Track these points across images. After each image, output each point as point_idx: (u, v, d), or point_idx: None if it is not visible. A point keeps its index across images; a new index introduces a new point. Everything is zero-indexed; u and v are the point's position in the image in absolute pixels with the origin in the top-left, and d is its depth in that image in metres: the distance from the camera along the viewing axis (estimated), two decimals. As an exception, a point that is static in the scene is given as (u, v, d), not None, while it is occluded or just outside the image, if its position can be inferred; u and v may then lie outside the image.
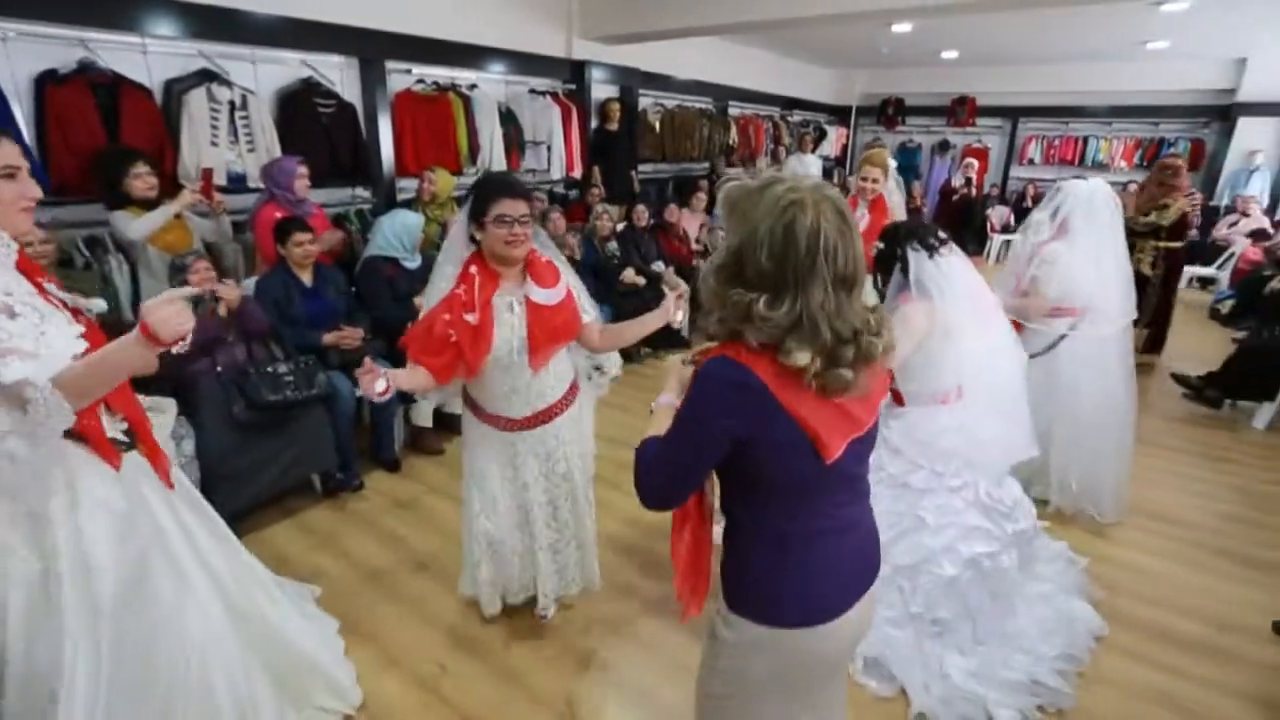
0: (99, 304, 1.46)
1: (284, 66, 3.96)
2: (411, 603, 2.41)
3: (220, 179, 3.53)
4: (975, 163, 7.43)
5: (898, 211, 3.35)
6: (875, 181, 3.29)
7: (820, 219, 0.99)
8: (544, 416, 1.97)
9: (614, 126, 6.06)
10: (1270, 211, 7.56)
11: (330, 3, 3.95)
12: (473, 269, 1.81)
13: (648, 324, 1.93)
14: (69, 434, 1.26)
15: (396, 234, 3.40)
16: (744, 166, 8.05)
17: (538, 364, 1.89)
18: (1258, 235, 6.96)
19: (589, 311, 2.00)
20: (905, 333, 1.97)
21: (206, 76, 3.55)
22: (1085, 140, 9.37)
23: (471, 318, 1.77)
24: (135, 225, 2.91)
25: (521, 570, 2.13)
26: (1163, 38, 6.80)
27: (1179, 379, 4.31)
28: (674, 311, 1.87)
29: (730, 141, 7.77)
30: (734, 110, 8.08)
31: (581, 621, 2.30)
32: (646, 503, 1.14)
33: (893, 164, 3.37)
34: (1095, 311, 2.74)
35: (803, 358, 1.00)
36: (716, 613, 1.21)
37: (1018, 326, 2.84)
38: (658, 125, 6.76)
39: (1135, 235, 4.32)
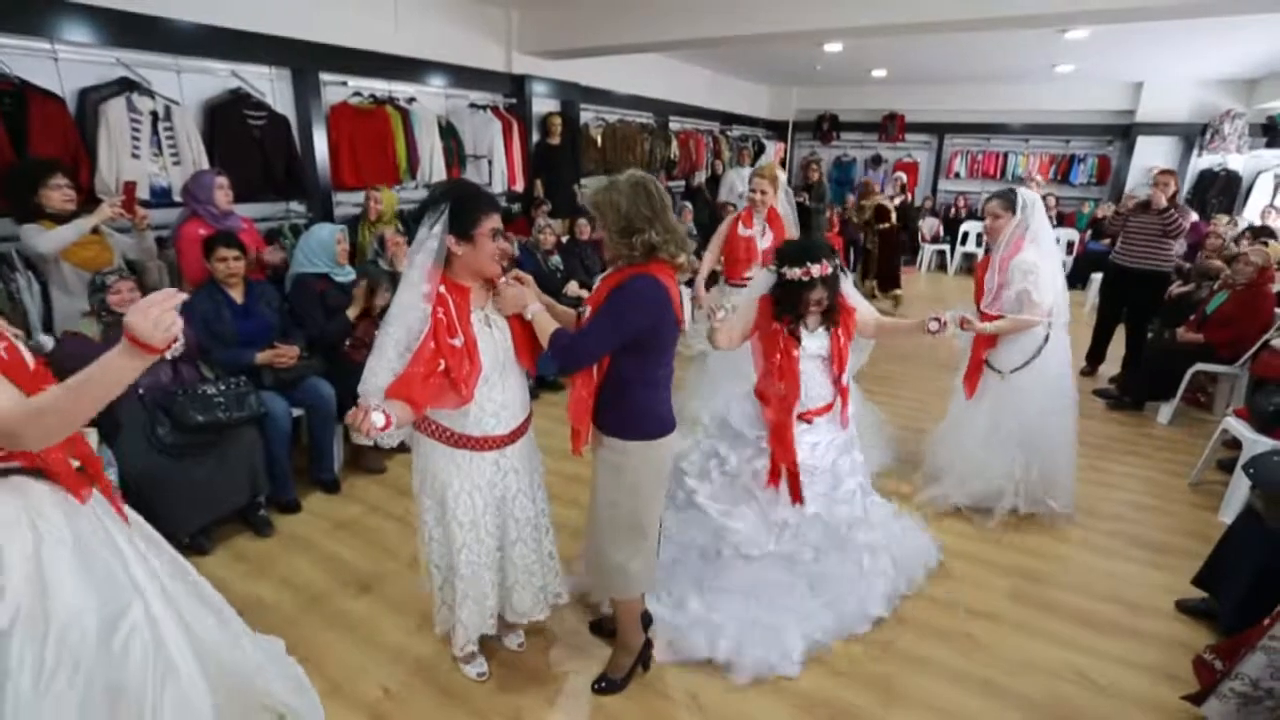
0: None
1: (211, 76, 3.84)
2: (354, 626, 2.34)
3: (143, 193, 3.38)
4: (903, 175, 7.79)
5: (787, 221, 3.48)
6: (764, 193, 3.41)
7: (654, 182, 1.78)
8: (525, 426, 1.94)
9: (556, 140, 6.08)
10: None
11: (259, 12, 3.85)
12: (441, 288, 1.71)
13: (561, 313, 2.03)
14: (26, 470, 1.18)
15: (313, 251, 3.33)
16: (686, 179, 8.21)
17: (532, 364, 1.91)
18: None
19: None
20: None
21: (126, 85, 3.40)
22: (1006, 155, 9.95)
23: (457, 341, 1.70)
24: (47, 238, 2.75)
25: (494, 599, 2.01)
26: (1069, 61, 7.31)
27: (1100, 394, 4.66)
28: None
29: (672, 155, 7.91)
30: (675, 125, 8.23)
31: (528, 636, 2.28)
32: (564, 372, 1.80)
33: (782, 176, 3.50)
34: (1058, 311, 2.89)
35: (681, 257, 1.78)
36: (612, 451, 1.85)
37: (990, 343, 2.93)
38: (600, 139, 6.83)
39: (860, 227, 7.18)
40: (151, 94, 3.47)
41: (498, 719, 1.99)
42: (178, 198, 3.49)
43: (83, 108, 3.31)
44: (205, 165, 3.60)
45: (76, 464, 1.35)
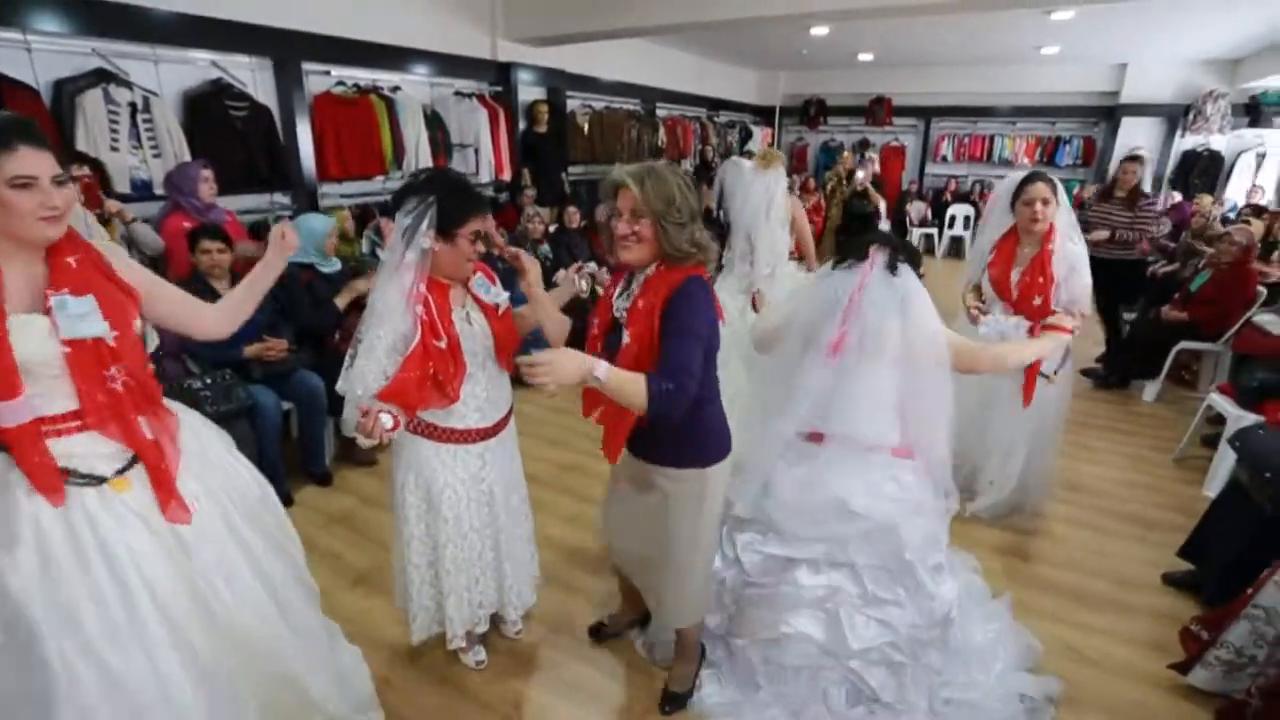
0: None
1: (190, 67, 3.77)
2: (350, 619, 2.33)
3: (124, 186, 3.32)
4: (874, 156, 7.55)
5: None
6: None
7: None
8: (508, 417, 1.92)
9: (542, 129, 6.03)
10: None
11: (238, 0, 3.77)
12: (421, 287, 1.65)
13: (561, 298, 1.95)
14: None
15: (301, 239, 3.29)
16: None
17: (509, 362, 1.85)
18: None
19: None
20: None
21: (103, 77, 3.33)
22: (992, 138, 9.97)
23: (441, 343, 1.66)
24: None
25: (486, 591, 2.00)
26: (1054, 43, 7.32)
27: (1086, 374, 4.67)
28: (578, 282, 1.93)
29: (659, 142, 7.87)
30: (661, 111, 8.18)
31: (525, 623, 2.29)
32: (678, 413, 1.46)
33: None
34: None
35: (711, 266, 1.61)
36: (691, 483, 1.67)
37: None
38: (586, 127, 6.78)
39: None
40: (129, 85, 3.41)
41: (499, 706, 2.00)
42: (159, 190, 3.44)
43: (59, 100, 3.25)
44: (186, 157, 3.54)
45: (119, 463, 1.35)
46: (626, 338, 1.54)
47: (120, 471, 1.34)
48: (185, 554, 1.39)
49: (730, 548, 1.93)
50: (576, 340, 1.68)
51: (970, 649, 2.00)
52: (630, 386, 1.40)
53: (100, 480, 1.32)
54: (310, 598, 1.71)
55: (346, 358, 1.68)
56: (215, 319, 1.59)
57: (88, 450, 1.31)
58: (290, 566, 1.64)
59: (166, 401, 1.51)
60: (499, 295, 1.84)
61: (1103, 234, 4.32)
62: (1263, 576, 1.91)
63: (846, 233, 6.65)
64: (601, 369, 1.38)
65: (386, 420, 1.53)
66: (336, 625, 1.91)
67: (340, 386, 1.69)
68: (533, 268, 1.76)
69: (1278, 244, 4.82)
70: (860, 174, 6.57)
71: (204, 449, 1.53)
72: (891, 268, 1.77)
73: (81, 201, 2.85)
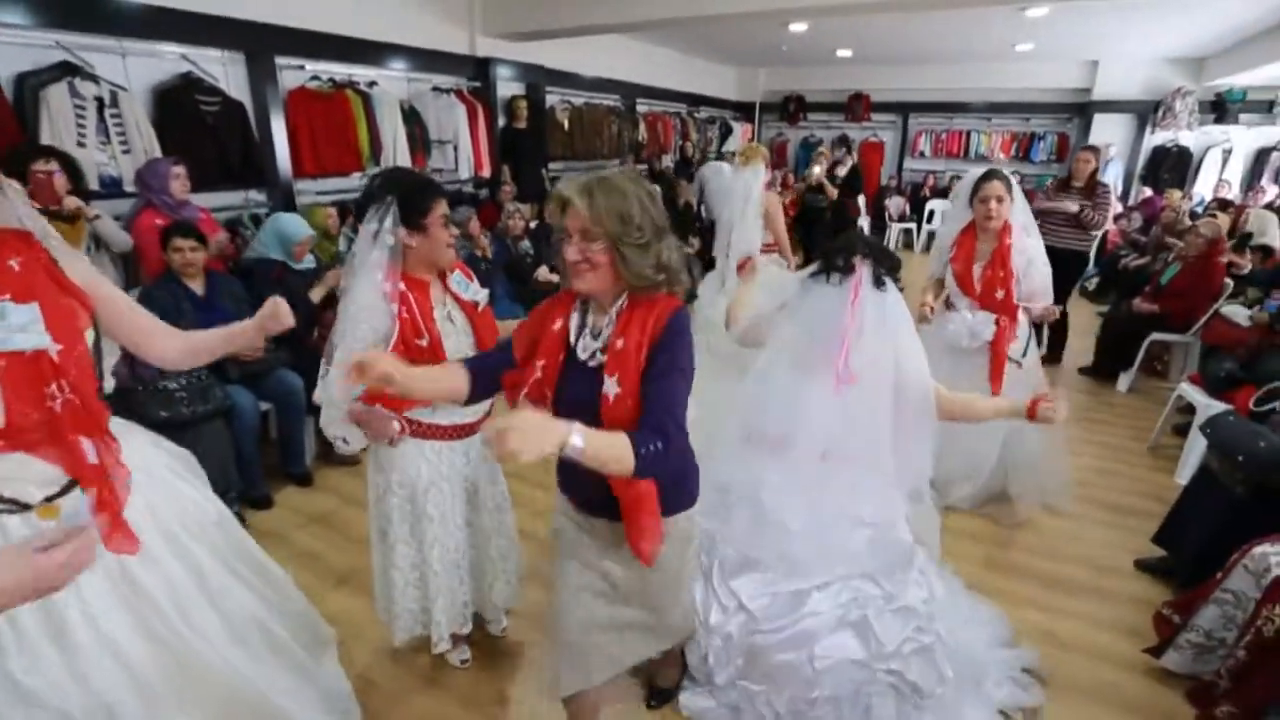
0: None
1: (159, 60, 3.68)
2: (333, 620, 2.28)
3: (92, 183, 3.24)
4: (824, 151, 7.60)
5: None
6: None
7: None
8: (490, 412, 1.91)
9: (522, 124, 5.99)
10: (1123, 198, 8.42)
11: (209, -8, 3.70)
12: (400, 286, 1.65)
13: None
14: None
15: (271, 237, 3.26)
16: (649, 163, 8.13)
17: None
18: (1115, 218, 7.73)
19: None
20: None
21: (67, 70, 3.24)
22: (968, 134, 10.09)
23: (423, 341, 1.66)
24: None
25: (471, 590, 2.00)
26: (1029, 40, 7.42)
27: (1084, 371, 4.75)
28: None
29: (639, 138, 7.86)
30: (642, 107, 8.17)
31: (507, 619, 2.28)
32: (667, 469, 1.25)
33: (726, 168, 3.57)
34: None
35: (681, 288, 1.36)
36: (678, 526, 1.49)
37: (1011, 335, 2.73)
38: (566, 123, 6.74)
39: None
40: (95, 79, 3.32)
41: (485, 704, 1.99)
42: (129, 187, 3.36)
43: (20, 94, 3.15)
44: (157, 153, 3.46)
45: (53, 488, 1.23)
46: (615, 387, 1.27)
47: (51, 498, 1.23)
48: (127, 580, 1.32)
49: (729, 597, 1.80)
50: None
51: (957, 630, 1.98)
52: (611, 451, 1.14)
53: (25, 507, 1.21)
54: (286, 618, 1.67)
55: (321, 365, 1.67)
56: (169, 347, 1.49)
57: (15, 472, 1.20)
58: (250, 588, 1.59)
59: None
60: (478, 293, 1.85)
61: (1072, 207, 4.41)
62: (1231, 561, 1.96)
63: (803, 226, 6.70)
64: (578, 434, 1.09)
65: (397, 425, 1.63)
66: (332, 636, 1.89)
67: (318, 395, 1.69)
68: (395, 370, 1.35)
69: (1251, 236, 4.93)
70: (816, 169, 6.66)
71: (150, 470, 1.46)
72: (878, 282, 1.72)
73: (31, 194, 2.76)
